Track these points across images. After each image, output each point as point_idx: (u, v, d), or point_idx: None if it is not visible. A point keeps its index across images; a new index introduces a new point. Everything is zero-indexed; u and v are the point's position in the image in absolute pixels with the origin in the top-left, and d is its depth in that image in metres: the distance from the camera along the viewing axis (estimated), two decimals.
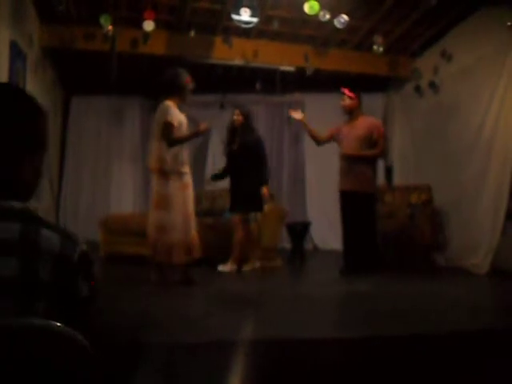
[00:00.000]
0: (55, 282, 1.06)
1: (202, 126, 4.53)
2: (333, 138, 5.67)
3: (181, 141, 4.46)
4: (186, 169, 4.52)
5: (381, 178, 8.14)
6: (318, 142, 5.75)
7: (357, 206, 5.35)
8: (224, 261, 5.51)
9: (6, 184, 1.12)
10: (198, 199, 6.55)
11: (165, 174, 4.41)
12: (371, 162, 5.43)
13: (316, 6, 5.55)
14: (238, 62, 6.87)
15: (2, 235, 1.04)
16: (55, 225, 1.15)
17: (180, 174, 4.45)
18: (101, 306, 1.29)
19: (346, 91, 5.49)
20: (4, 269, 1.01)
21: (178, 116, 4.47)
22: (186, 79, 4.53)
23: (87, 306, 1.16)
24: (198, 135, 4.69)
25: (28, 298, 1.01)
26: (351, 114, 5.54)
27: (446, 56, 6.52)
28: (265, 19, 6.15)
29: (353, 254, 5.36)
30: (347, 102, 5.50)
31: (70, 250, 1.12)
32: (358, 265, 5.28)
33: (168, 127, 4.36)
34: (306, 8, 5.57)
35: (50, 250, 1.07)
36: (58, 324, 0.94)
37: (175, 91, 4.51)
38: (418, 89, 7.20)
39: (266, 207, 5.69)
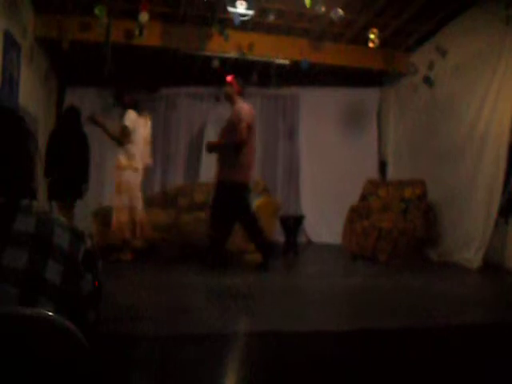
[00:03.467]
0: (61, 280, 1.07)
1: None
2: None
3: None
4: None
5: (375, 173, 8.18)
6: None
7: (219, 195, 5.07)
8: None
9: (17, 186, 1.18)
10: (191, 192, 6.55)
11: None
12: (235, 150, 4.94)
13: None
14: (233, 54, 6.85)
15: (19, 227, 1.06)
16: (65, 222, 1.17)
17: None
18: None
19: (228, 78, 5.15)
20: (14, 260, 1.02)
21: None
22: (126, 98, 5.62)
23: (90, 303, 1.17)
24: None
25: (31, 291, 1.02)
26: (231, 101, 5.18)
27: (441, 51, 6.53)
28: (260, 12, 6.13)
29: (212, 245, 5.12)
30: (227, 89, 5.15)
31: (76, 249, 1.14)
32: (216, 257, 5.07)
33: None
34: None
35: (60, 247, 1.09)
36: (50, 313, 0.95)
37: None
38: (413, 83, 7.21)
39: (259, 200, 5.65)
